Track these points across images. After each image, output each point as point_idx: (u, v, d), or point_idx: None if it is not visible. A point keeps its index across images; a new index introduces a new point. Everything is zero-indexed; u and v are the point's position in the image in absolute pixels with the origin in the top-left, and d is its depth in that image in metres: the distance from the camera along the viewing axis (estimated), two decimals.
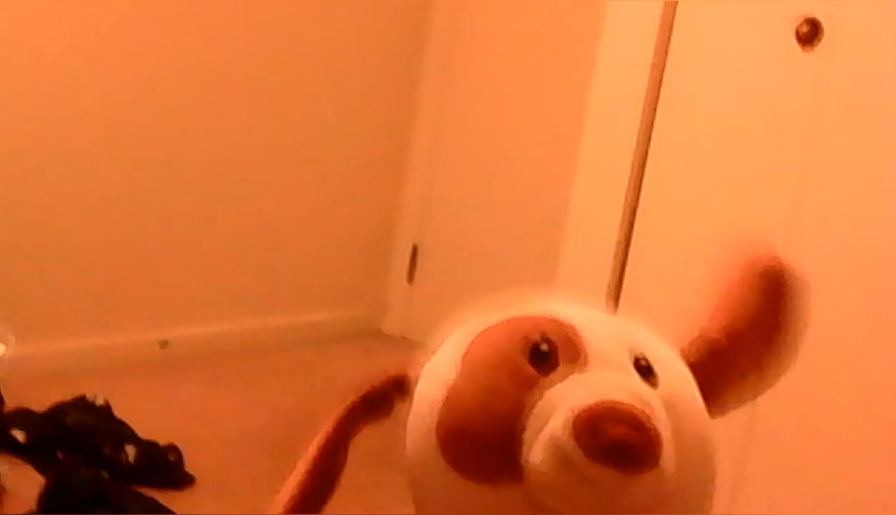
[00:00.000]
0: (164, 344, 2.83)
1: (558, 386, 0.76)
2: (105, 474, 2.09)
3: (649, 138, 2.25)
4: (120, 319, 2.79)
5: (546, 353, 0.78)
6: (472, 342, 0.82)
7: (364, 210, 3.33)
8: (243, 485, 2.20)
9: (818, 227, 2.00)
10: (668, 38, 2.23)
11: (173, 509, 2.03)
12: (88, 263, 2.71)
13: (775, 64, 2.09)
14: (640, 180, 2.27)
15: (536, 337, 0.79)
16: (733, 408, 0.89)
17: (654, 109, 2.25)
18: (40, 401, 2.28)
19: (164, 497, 2.07)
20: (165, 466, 2.19)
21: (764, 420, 1.92)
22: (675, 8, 2.21)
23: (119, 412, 2.33)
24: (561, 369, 0.77)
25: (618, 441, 0.71)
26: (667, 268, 2.19)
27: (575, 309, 0.85)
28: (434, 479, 0.80)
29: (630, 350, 0.81)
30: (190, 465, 2.21)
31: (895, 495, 1.85)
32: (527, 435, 0.74)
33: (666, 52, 2.24)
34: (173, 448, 2.22)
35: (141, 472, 2.16)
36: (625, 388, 0.76)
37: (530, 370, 0.77)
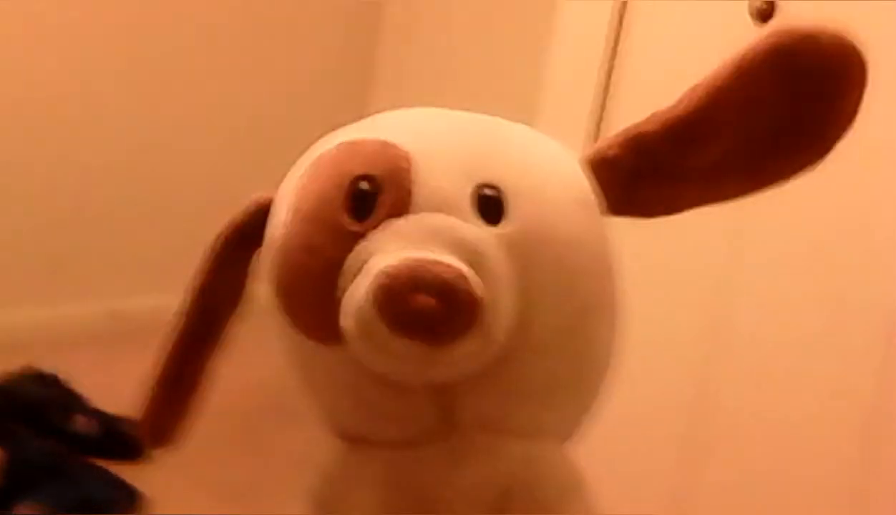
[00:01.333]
0: (113, 314, 2.79)
1: (372, 235, 0.68)
2: (58, 446, 2.06)
3: (601, 116, 2.25)
4: (69, 289, 2.75)
5: (367, 194, 0.69)
6: (303, 177, 0.74)
7: None
8: (199, 455, 2.18)
9: (769, 202, 2.01)
10: (622, 15, 2.22)
11: (129, 480, 2.02)
12: (36, 232, 2.66)
13: (731, 41, 2.08)
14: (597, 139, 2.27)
15: (358, 173, 0.70)
16: (666, 213, 0.80)
17: (608, 86, 2.25)
18: None
19: (119, 469, 2.05)
20: (120, 437, 2.17)
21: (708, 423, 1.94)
22: None
23: (70, 383, 2.30)
24: (379, 213, 0.68)
25: (420, 312, 0.62)
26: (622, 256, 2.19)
27: (422, 128, 0.76)
28: (279, 325, 0.76)
29: (477, 177, 0.71)
30: None
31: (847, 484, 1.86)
32: (340, 294, 0.67)
33: (620, 29, 2.23)
34: (127, 420, 2.19)
35: (95, 444, 2.14)
36: (444, 236, 0.67)
37: (346, 218, 0.69)
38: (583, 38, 2.28)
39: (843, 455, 1.82)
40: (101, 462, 2.07)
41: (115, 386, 2.49)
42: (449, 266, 0.64)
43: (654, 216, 0.80)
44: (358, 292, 0.65)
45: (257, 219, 0.80)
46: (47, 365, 2.31)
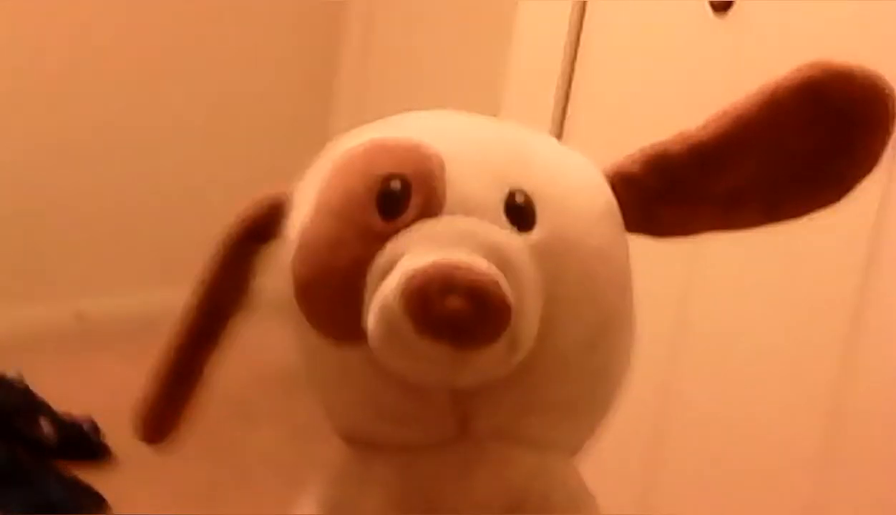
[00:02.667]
0: (79, 315, 2.76)
1: (403, 235, 0.66)
2: (20, 450, 2.04)
3: (566, 104, 2.26)
4: (33, 290, 2.72)
5: (397, 194, 0.68)
6: (329, 174, 0.73)
7: (286, 177, 3.28)
8: (164, 458, 2.16)
9: None
10: (583, 11, 2.23)
11: (92, 484, 1.99)
12: (1, 233, 2.63)
13: (689, 32, 2.09)
14: (559, 138, 2.27)
15: (389, 172, 0.69)
16: (680, 235, 0.79)
17: (570, 80, 2.25)
18: None
19: (82, 472, 2.03)
20: (83, 440, 2.14)
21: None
22: None
23: (33, 386, 2.27)
24: (410, 213, 0.67)
25: (450, 315, 0.61)
26: None
27: (452, 130, 0.75)
28: (294, 324, 0.74)
29: (508, 183, 0.70)
30: (109, 439, 2.16)
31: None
32: (366, 294, 0.66)
33: (581, 24, 2.24)
34: (90, 422, 2.17)
35: (58, 447, 2.11)
36: (476, 240, 0.65)
37: (375, 217, 0.68)
38: (544, 34, 2.29)
39: (803, 450, 1.84)
40: (63, 466, 2.04)
41: (81, 387, 2.48)
42: (481, 270, 0.63)
43: (667, 236, 0.80)
44: (386, 291, 0.63)
45: (270, 215, 0.78)
46: (12, 367, 2.28)
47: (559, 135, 2.21)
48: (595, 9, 2.22)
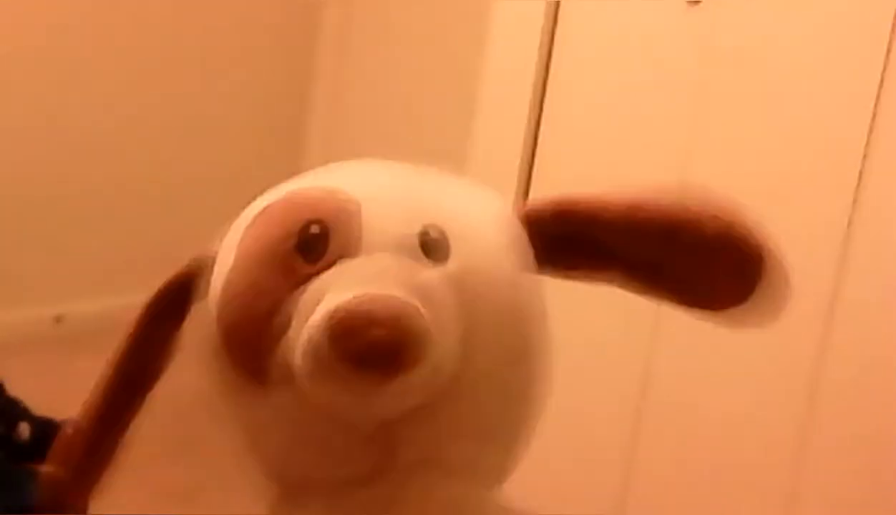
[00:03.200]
0: (58, 319, 2.76)
1: (324, 276, 0.71)
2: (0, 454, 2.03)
3: (542, 99, 2.27)
4: (12, 294, 2.71)
5: (317, 237, 0.73)
6: (251, 223, 0.77)
7: (264, 179, 3.28)
8: (144, 459, 2.16)
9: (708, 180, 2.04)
10: (557, 5, 2.25)
11: None
12: None
13: (662, 20, 2.11)
14: (535, 143, 2.29)
15: (307, 218, 0.73)
16: (586, 281, 0.83)
17: (546, 75, 2.27)
18: None
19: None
20: None
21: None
22: None
23: (12, 390, 2.26)
24: (330, 255, 0.72)
25: (373, 344, 0.65)
26: None
27: (367, 177, 0.80)
28: (219, 374, 0.77)
29: (421, 221, 0.75)
30: None
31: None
32: (290, 333, 0.70)
33: (556, 18, 2.25)
34: (70, 424, 2.16)
35: (36, 450, 2.11)
36: (394, 273, 0.70)
37: (295, 260, 0.72)
38: (519, 32, 2.31)
39: (777, 447, 1.86)
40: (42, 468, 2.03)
41: (60, 391, 2.47)
42: (400, 300, 0.67)
43: (572, 279, 0.83)
44: (311, 327, 0.67)
45: (195, 276, 0.81)
46: None
47: (536, 132, 2.23)
48: (569, 5, 2.23)
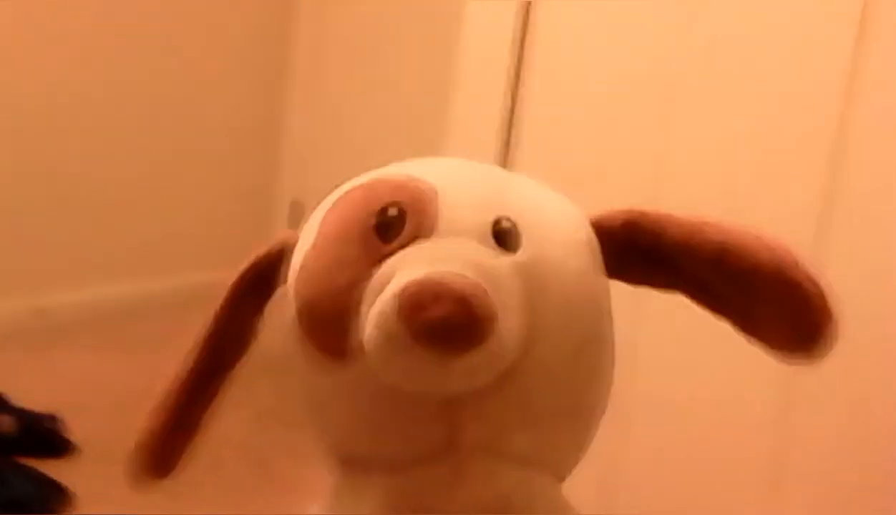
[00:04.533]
0: (39, 311, 2.75)
1: (398, 254, 0.73)
2: None
3: (517, 85, 2.28)
4: None
5: (394, 219, 0.75)
6: (333, 206, 0.80)
7: (242, 166, 3.29)
8: (127, 451, 2.16)
9: (684, 169, 2.06)
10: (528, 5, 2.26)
11: (55, 477, 1.99)
12: None
13: (640, 6, 2.12)
14: (509, 135, 2.30)
15: (386, 201, 0.76)
16: (654, 288, 0.85)
17: (521, 52, 2.28)
18: None
19: (45, 466, 2.03)
20: (45, 434, 2.14)
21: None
22: None
23: None
24: (405, 236, 0.74)
25: (439, 320, 0.67)
26: None
27: (445, 168, 0.83)
28: (296, 351, 0.79)
29: (495, 211, 0.77)
30: (72, 433, 2.17)
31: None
32: (363, 308, 0.72)
33: (527, 19, 2.26)
34: (52, 417, 2.17)
35: (19, 442, 2.11)
36: (465, 256, 0.72)
37: (373, 239, 0.74)
38: (491, 32, 2.32)
39: (759, 431, 1.88)
40: (26, 460, 2.04)
41: (42, 382, 2.47)
42: (470, 280, 0.69)
43: (638, 286, 0.86)
44: (383, 301, 0.69)
45: (280, 257, 0.83)
46: None
47: (508, 131, 2.24)
48: (540, 8, 2.25)
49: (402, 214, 0.75)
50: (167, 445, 0.90)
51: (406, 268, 0.71)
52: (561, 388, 0.79)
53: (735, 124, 2.09)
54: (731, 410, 1.93)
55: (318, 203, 0.86)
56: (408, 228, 0.74)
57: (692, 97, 2.10)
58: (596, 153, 2.25)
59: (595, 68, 2.27)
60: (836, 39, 1.88)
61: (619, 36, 2.23)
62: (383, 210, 0.75)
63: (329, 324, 0.75)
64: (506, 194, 0.81)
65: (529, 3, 2.24)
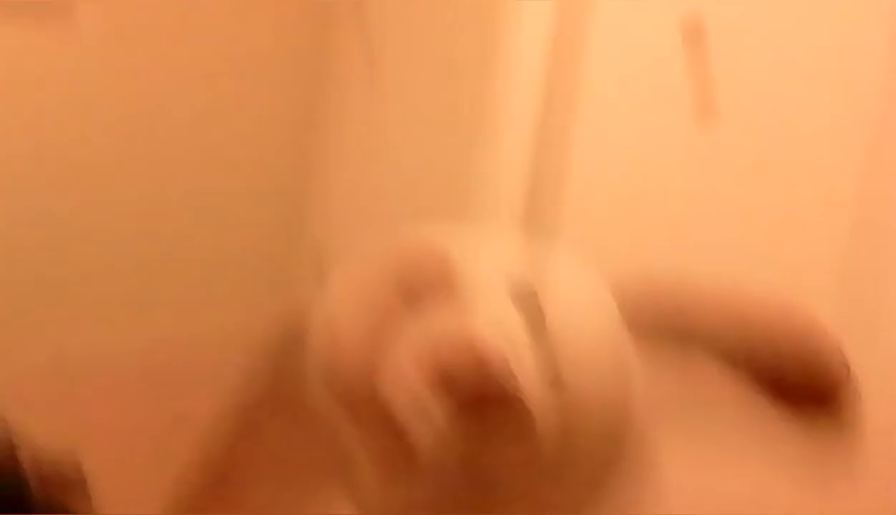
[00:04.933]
0: (61, 354, 2.75)
1: (420, 320, 0.77)
2: None
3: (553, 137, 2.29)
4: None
5: (416, 285, 0.78)
6: (352, 275, 0.83)
7: (267, 210, 3.30)
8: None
9: None
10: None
11: None
12: None
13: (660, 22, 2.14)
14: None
15: (408, 267, 0.80)
16: None
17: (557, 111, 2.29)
18: None
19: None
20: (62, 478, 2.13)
21: None
22: None
23: None
24: (428, 302, 0.77)
25: (461, 385, 0.71)
26: None
27: (461, 237, 0.86)
28: (326, 415, 0.81)
29: (513, 278, 0.80)
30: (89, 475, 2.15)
31: None
32: (388, 372, 0.76)
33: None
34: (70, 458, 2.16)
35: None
36: (484, 324, 0.76)
37: (396, 303, 0.77)
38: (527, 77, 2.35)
39: None
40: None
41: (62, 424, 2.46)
42: (494, 350, 0.73)
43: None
44: (408, 366, 0.73)
45: (302, 327, 0.87)
46: None
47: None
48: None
49: (423, 279, 0.79)
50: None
51: (427, 334, 0.75)
52: (589, 458, 0.83)
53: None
54: None
55: (344, 247, 0.89)
56: (431, 292, 0.78)
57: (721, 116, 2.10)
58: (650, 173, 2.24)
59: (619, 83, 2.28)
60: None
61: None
62: (405, 274, 0.79)
63: (353, 386, 0.78)
64: (530, 264, 0.83)
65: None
